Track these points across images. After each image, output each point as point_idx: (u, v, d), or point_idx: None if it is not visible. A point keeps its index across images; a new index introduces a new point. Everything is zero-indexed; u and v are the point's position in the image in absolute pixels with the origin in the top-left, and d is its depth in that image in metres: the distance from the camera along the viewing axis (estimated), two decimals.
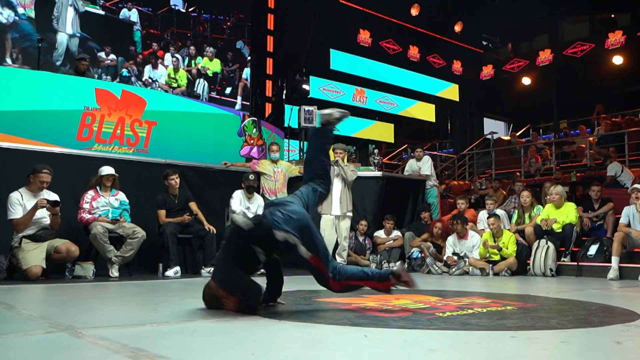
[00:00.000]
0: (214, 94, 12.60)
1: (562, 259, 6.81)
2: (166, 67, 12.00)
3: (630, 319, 3.00)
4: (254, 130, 8.54)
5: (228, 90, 12.97)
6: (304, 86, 14.37)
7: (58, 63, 10.51)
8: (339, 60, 15.19)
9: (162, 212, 6.25)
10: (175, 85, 11.99)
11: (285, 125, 10.11)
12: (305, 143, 9.00)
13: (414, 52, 17.17)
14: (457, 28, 17.61)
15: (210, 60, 12.71)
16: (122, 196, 6.01)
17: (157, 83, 11.82)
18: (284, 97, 13.70)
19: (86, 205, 5.74)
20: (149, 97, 7.47)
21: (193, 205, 6.48)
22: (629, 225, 6.33)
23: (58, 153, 6.25)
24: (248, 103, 13.24)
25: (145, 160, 6.94)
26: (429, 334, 2.49)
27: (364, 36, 15.91)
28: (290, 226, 2.92)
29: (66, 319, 2.77)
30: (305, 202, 3.21)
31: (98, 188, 5.88)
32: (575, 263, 6.69)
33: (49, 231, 5.42)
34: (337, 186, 7.01)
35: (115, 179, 5.97)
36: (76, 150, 6.53)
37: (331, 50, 14.95)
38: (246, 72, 13.35)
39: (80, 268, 5.47)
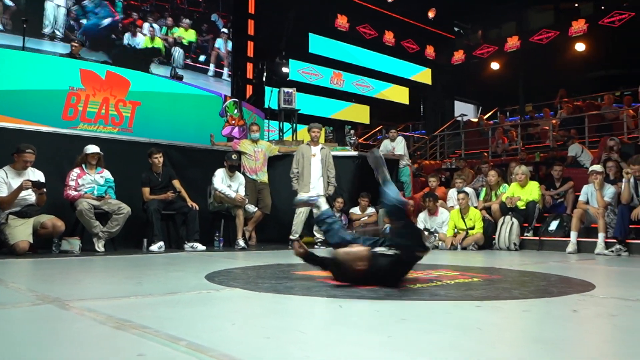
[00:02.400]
0: (188, 61, 13.16)
1: (525, 234, 7.13)
2: (144, 35, 12.40)
3: (586, 289, 3.15)
4: (235, 111, 8.58)
5: (202, 58, 13.47)
6: (284, 69, 14.43)
7: (46, 30, 10.74)
8: (318, 44, 15.35)
9: (146, 190, 6.34)
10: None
11: (266, 106, 10.14)
12: (284, 124, 9.20)
13: (389, 37, 17.38)
14: (431, 14, 17.86)
15: (186, 30, 13.16)
16: (107, 174, 6.03)
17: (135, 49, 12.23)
18: (264, 79, 13.84)
19: (72, 183, 5.76)
20: (132, 78, 7.43)
21: (176, 183, 6.56)
22: (587, 202, 6.64)
23: (44, 132, 6.23)
24: (222, 71, 13.70)
25: (129, 140, 6.92)
26: (400, 305, 2.58)
27: (342, 21, 16.06)
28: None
29: (53, 292, 2.80)
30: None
31: (84, 166, 5.90)
32: (537, 238, 7.01)
33: (34, 207, 5.42)
34: (315, 165, 7.13)
35: (101, 157, 5.99)
36: (62, 129, 6.48)
37: (310, 34, 15.09)
38: (219, 42, 13.75)
39: (67, 243, 5.52)
